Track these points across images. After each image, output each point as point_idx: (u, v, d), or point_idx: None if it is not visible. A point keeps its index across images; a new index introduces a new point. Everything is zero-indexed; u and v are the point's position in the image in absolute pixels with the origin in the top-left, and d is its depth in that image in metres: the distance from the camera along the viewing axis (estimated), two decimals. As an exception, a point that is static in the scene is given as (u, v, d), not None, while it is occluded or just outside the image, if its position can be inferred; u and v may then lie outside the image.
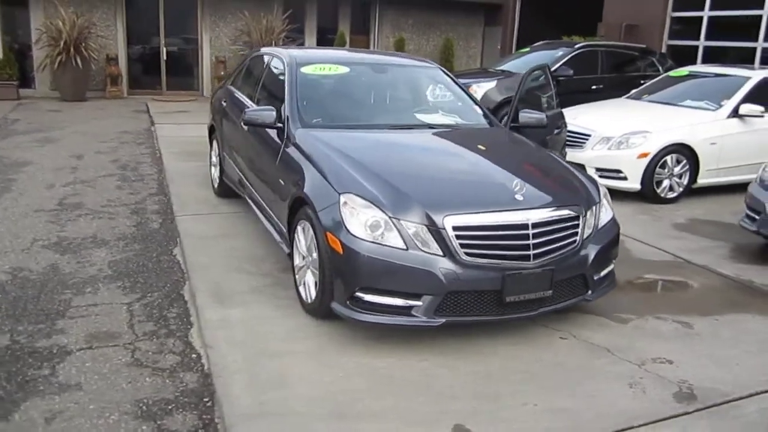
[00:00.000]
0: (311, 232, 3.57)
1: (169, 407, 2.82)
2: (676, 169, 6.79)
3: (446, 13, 17.18)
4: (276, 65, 5.07)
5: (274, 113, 4.28)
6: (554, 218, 3.46)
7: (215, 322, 3.62)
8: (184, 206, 5.86)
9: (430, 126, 4.60)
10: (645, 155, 6.64)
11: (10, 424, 2.66)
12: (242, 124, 4.44)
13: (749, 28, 11.03)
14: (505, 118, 5.20)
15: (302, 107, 4.37)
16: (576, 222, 3.55)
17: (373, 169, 3.58)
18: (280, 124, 4.29)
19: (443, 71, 5.31)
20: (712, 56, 11.53)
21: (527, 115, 4.90)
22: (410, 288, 3.23)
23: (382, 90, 4.98)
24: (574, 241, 3.53)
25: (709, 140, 6.86)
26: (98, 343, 3.36)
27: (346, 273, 3.28)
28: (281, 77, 4.81)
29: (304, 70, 4.70)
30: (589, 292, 3.67)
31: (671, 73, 8.50)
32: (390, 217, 3.24)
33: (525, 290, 3.34)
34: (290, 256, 4.07)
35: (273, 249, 4.80)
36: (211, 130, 6.35)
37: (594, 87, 9.93)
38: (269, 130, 4.45)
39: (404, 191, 3.38)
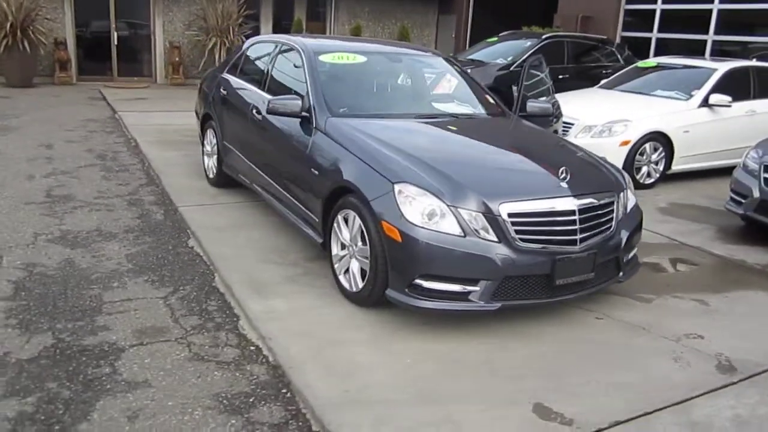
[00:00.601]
0: (357, 221, 3.59)
1: (251, 400, 2.79)
2: (654, 156, 7.15)
3: (401, 1, 17.23)
4: (288, 54, 5.00)
5: (300, 102, 4.24)
6: (595, 204, 3.61)
7: (262, 313, 3.58)
8: (182, 197, 5.71)
9: (453, 115, 4.67)
10: (626, 143, 6.95)
11: (93, 424, 2.57)
12: (265, 113, 4.37)
13: (700, 21, 11.64)
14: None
15: (328, 96, 4.34)
16: (612, 207, 3.73)
17: (420, 158, 3.62)
18: (305, 113, 4.26)
19: (449, 60, 5.37)
20: (665, 48, 12.10)
21: (534, 105, 5.05)
22: (468, 274, 3.30)
23: (399, 79, 5.01)
24: (611, 226, 3.70)
25: (682, 128, 7.24)
26: (149, 339, 3.27)
27: (405, 261, 3.32)
28: (296, 66, 4.76)
29: (323, 59, 4.66)
30: (621, 273, 3.85)
31: (639, 64, 8.89)
32: (448, 205, 3.30)
33: (572, 273, 3.49)
34: (323, 245, 4.07)
35: (293, 239, 4.77)
36: (205, 119, 6.18)
37: (561, 77, 10.21)
38: (290, 120, 4.41)
39: (457, 180, 3.44)
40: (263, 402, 2.78)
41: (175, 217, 5.24)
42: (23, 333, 3.26)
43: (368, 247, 3.51)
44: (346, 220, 3.76)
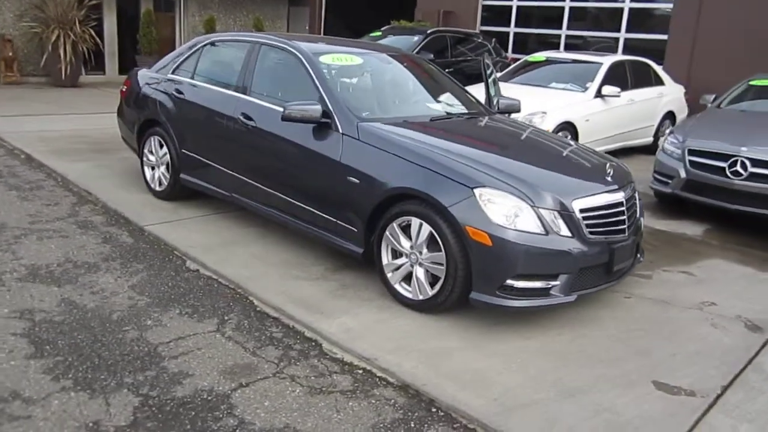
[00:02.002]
0: (426, 228, 3.53)
1: (411, 425, 2.66)
2: (564, 143, 7.85)
3: (252, -8, 16.68)
4: (273, 55, 4.68)
5: (320, 108, 4.03)
6: (630, 195, 3.96)
7: (341, 333, 3.38)
8: (138, 214, 5.08)
9: (460, 115, 4.73)
10: (545, 133, 7.54)
11: (276, 483, 2.28)
12: (280, 119, 4.06)
13: (554, 16, 12.86)
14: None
15: (346, 101, 4.16)
16: (636, 197, 4.10)
17: (481, 161, 3.65)
18: (325, 120, 4.05)
19: (427, 61, 5.42)
20: (523, 42, 13.20)
21: (505, 102, 5.30)
22: (551, 270, 3.44)
23: (395, 80, 4.92)
24: (638, 214, 4.08)
25: (584, 117, 8.03)
26: (246, 379, 2.93)
27: (496, 263, 3.34)
28: (289, 69, 4.49)
29: (324, 60, 4.44)
30: (639, 255, 4.25)
31: (529, 58, 9.61)
32: (531, 206, 3.40)
33: (623, 259, 3.79)
34: (364, 255, 3.93)
35: (301, 251, 4.53)
36: (145, 126, 5.54)
37: (447, 70, 10.70)
38: (296, 127, 4.15)
39: (530, 181, 3.54)
40: (424, 424, 2.67)
41: (147, 238, 4.66)
42: (93, 395, 2.74)
43: (443, 253, 3.48)
44: (404, 228, 3.67)
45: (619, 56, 9.34)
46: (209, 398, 2.78)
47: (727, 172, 5.68)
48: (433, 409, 2.79)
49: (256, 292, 3.84)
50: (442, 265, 3.51)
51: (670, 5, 11.12)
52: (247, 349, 3.22)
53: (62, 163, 6.48)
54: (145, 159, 5.64)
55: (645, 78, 9.24)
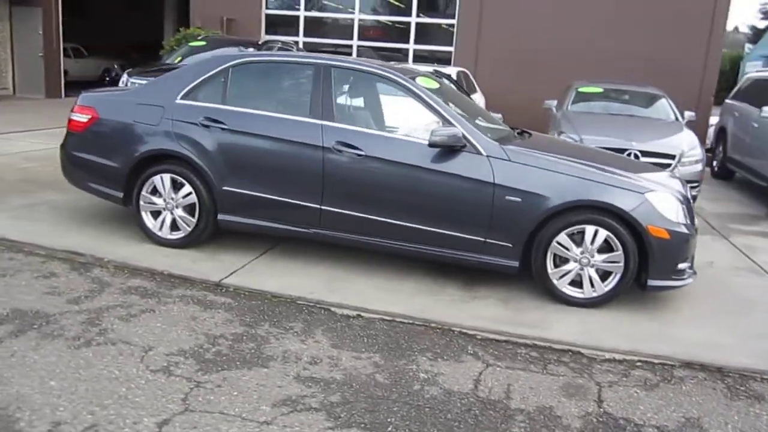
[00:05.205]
0: (601, 233, 3.98)
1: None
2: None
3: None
4: (361, 78, 4.54)
5: (461, 131, 4.11)
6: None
7: (577, 335, 3.65)
8: (184, 268, 4.25)
9: (520, 132, 5.06)
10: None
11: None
12: (428, 145, 3.98)
13: (343, 27, 13.57)
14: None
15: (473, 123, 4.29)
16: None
17: (620, 169, 4.26)
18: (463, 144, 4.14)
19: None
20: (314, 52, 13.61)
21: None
22: (690, 253, 4.23)
23: (463, 102, 5.06)
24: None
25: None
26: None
27: (673, 252, 3.99)
28: (380, 92, 4.39)
29: (424, 84, 4.43)
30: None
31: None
32: (680, 203, 4.14)
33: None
34: (519, 268, 4.17)
35: (415, 275, 4.45)
36: (150, 162, 4.54)
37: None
38: (416, 155, 4.16)
39: (662, 183, 4.28)
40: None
41: (243, 294, 3.99)
42: None
43: (620, 252, 3.99)
44: (573, 238, 4.05)
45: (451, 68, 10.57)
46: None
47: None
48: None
49: (456, 322, 3.77)
50: (617, 263, 4.02)
51: (454, 21, 12.87)
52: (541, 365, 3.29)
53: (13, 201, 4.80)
54: (142, 203, 4.63)
55: (469, 87, 10.66)
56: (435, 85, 4.70)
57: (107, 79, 19.22)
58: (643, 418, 2.92)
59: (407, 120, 4.37)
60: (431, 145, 4.04)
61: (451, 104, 4.50)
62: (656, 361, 3.48)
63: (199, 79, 4.61)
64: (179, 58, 9.97)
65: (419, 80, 4.50)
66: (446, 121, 4.22)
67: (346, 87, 4.54)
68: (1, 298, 3.67)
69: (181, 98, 4.58)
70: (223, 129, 4.43)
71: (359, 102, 4.57)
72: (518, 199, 4.07)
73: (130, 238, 4.73)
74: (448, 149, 4.14)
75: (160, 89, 4.69)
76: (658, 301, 4.29)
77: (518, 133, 4.90)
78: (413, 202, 4.23)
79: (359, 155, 4.23)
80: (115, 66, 19.79)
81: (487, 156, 4.14)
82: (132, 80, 8.54)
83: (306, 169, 4.32)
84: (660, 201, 4.04)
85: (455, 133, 4.06)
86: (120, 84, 8.79)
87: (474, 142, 4.16)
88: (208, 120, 4.46)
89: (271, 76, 4.68)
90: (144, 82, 8.64)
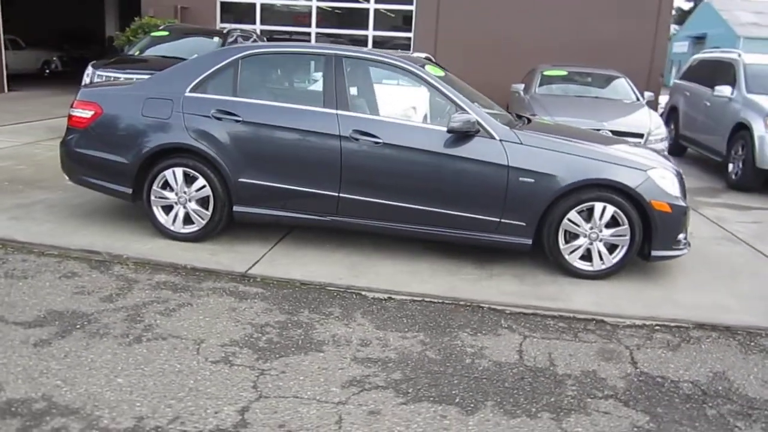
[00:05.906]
0: (609, 209, 4.23)
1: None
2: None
3: None
4: (373, 68, 4.63)
5: (475, 117, 4.28)
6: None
7: (598, 303, 3.91)
8: (205, 261, 4.27)
9: (520, 117, 5.28)
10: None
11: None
12: (447, 131, 4.14)
13: (301, 15, 13.48)
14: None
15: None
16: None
17: (621, 151, 4.53)
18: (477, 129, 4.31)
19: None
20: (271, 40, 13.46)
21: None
22: (687, 225, 4.56)
23: (466, 88, 5.18)
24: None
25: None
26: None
27: (674, 224, 4.28)
28: (392, 81, 4.50)
29: (433, 73, 4.55)
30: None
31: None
32: (677, 177, 4.46)
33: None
34: (532, 246, 4.40)
35: (430, 256, 4.60)
36: (161, 156, 4.50)
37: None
38: (431, 141, 4.31)
39: (659, 160, 4.58)
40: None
41: (274, 284, 4.05)
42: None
43: (626, 226, 4.27)
44: (582, 215, 4.29)
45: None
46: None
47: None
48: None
49: (484, 299, 3.97)
50: (623, 236, 4.30)
51: (412, 7, 12.99)
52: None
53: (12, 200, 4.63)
54: (153, 198, 4.59)
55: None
56: (441, 72, 4.84)
57: (47, 71, 18.40)
58: (676, 375, 3.19)
59: (419, 107, 4.50)
60: (449, 131, 4.19)
61: (458, 91, 4.65)
62: (672, 324, 3.78)
63: (208, 72, 4.58)
64: (138, 51, 9.72)
65: (428, 68, 4.63)
66: (459, 108, 4.38)
67: (358, 76, 4.62)
68: (31, 300, 3.61)
69: (190, 91, 4.55)
70: (236, 121, 4.44)
71: (371, 91, 4.65)
72: (531, 180, 4.28)
73: (141, 234, 4.69)
74: (463, 135, 4.30)
75: (168, 82, 4.63)
76: (659, 271, 4.61)
77: (517, 117, 5.12)
78: (431, 187, 4.38)
79: (377, 143, 4.33)
80: (54, 58, 18.97)
81: (500, 140, 4.32)
82: (99, 73, 8.28)
83: (324, 158, 4.39)
84: (660, 177, 4.34)
85: (470, 119, 4.23)
86: (84, 77, 8.48)
87: (487, 127, 4.33)
88: (220, 112, 4.46)
89: (283, 66, 4.72)
90: (111, 74, 8.50)
